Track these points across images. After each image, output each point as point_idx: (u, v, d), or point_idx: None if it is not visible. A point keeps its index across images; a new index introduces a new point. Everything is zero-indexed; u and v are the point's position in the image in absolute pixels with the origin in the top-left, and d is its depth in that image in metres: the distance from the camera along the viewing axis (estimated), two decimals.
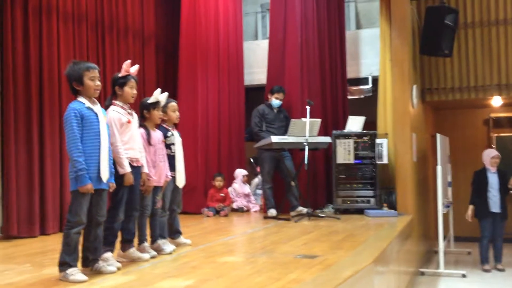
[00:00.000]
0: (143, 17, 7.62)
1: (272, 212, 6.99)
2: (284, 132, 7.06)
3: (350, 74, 8.74)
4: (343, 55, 8.38)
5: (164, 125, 4.63)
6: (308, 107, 6.62)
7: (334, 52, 8.25)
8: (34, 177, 5.58)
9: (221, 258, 4.10)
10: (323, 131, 7.51)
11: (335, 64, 8.25)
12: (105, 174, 3.48)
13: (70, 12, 6.14)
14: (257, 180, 8.31)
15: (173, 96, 7.70)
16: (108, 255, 3.76)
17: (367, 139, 7.14)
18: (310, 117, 6.66)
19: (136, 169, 3.94)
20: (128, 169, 3.79)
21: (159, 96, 4.29)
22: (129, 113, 3.91)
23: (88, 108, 3.48)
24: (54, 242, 4.99)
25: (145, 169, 4.07)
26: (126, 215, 3.91)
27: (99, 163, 3.45)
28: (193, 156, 7.54)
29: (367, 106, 8.71)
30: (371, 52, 8.80)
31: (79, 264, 3.54)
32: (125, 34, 7.15)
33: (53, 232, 5.68)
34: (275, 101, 7.24)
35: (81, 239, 3.55)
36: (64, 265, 3.41)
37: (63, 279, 3.38)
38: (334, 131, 7.25)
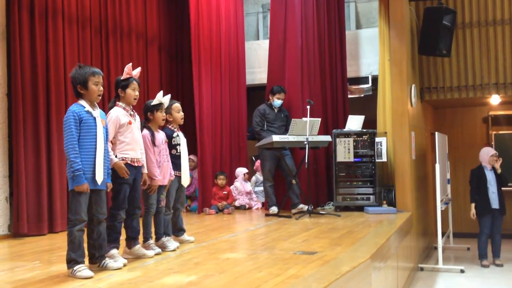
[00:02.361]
0: (146, 19, 7.75)
1: (274, 209, 7.13)
2: (284, 131, 7.21)
3: (350, 73, 8.87)
4: (343, 55, 8.50)
5: (169, 126, 4.78)
6: (308, 107, 6.75)
7: (334, 51, 8.37)
8: (42, 176, 5.73)
9: (223, 255, 4.24)
10: (323, 130, 7.65)
11: (335, 64, 8.37)
12: (100, 176, 3.62)
13: (75, 15, 6.28)
14: (254, 178, 8.45)
15: (181, 96, 7.87)
16: (114, 251, 3.91)
17: (366, 138, 7.27)
18: (311, 117, 6.79)
19: (138, 169, 4.09)
20: (114, 159, 3.90)
21: (161, 98, 4.43)
22: (131, 114, 4.06)
23: (87, 111, 3.62)
24: (62, 240, 5.14)
25: (145, 170, 4.21)
26: (129, 213, 4.07)
27: (94, 165, 3.60)
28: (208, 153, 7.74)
29: (368, 105, 8.85)
30: (371, 51, 8.93)
31: (86, 260, 3.69)
32: (128, 36, 7.29)
33: (61, 230, 5.83)
34: (277, 101, 7.37)
35: (86, 237, 3.71)
36: (71, 262, 3.56)
37: (71, 275, 3.53)
38: (334, 130, 7.38)
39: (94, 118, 3.64)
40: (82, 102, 3.65)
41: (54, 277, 3.61)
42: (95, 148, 3.60)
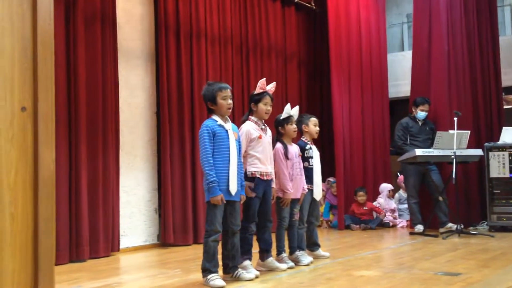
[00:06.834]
0: (285, 36, 7.88)
1: (419, 228, 6.72)
2: (430, 145, 6.80)
3: (506, 82, 8.14)
4: (497, 62, 7.83)
5: (303, 139, 4.77)
6: (455, 118, 6.31)
7: (486, 59, 7.75)
8: (188, 190, 6.02)
9: (357, 272, 4.08)
10: (475, 143, 7.09)
11: (488, 72, 7.73)
12: (233, 187, 3.69)
13: (217, 35, 6.59)
14: (397, 195, 8.06)
15: (320, 113, 7.85)
16: (246, 263, 3.97)
17: None
18: (460, 129, 6.34)
19: (268, 182, 4.11)
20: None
21: (290, 110, 4.43)
22: (262, 129, 4.10)
23: (220, 125, 3.74)
24: None
25: (274, 184, 4.22)
26: (260, 226, 4.13)
27: (229, 176, 3.67)
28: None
29: None
30: None
31: (220, 270, 3.80)
32: (268, 54, 7.46)
33: None
34: (420, 113, 7.00)
35: (221, 247, 3.82)
36: (205, 271, 3.69)
37: (205, 284, 3.66)
38: (486, 143, 6.80)
39: (227, 131, 3.75)
40: (214, 116, 3.79)
41: (190, 285, 3.77)
42: (229, 160, 3.70)
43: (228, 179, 3.68)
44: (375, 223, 7.33)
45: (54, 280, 1.32)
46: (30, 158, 1.31)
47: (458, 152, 6.23)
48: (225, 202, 3.68)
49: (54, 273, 1.32)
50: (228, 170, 3.68)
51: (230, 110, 3.83)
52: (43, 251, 1.27)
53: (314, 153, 4.77)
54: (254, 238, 4.17)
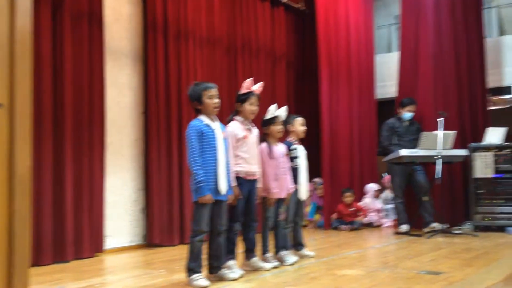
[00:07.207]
0: (274, 37, 7.89)
1: (404, 227, 6.77)
2: (416, 145, 6.85)
3: (492, 83, 8.21)
4: (483, 64, 7.91)
5: (288, 139, 4.78)
6: (440, 119, 6.36)
7: (472, 60, 7.82)
8: (174, 191, 6.00)
9: (341, 271, 4.11)
10: (461, 144, 7.15)
11: (474, 73, 7.81)
12: (223, 186, 3.70)
13: (206, 35, 6.58)
14: (384, 195, 8.10)
15: (308, 113, 7.88)
16: (231, 262, 3.98)
17: (509, 152, 6.65)
18: (446, 129, 6.39)
19: (253, 183, 4.13)
20: (233, 183, 3.95)
21: (274, 111, 4.43)
22: (248, 128, 4.11)
23: (207, 125, 3.74)
24: None
25: (259, 184, 4.23)
26: (245, 226, 4.14)
27: (216, 175, 3.68)
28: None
29: None
30: None
31: (204, 270, 3.80)
32: (256, 54, 7.47)
33: None
34: (407, 114, 7.05)
35: (205, 247, 3.82)
36: (189, 270, 3.69)
37: (189, 284, 3.67)
38: (471, 144, 6.87)
39: (213, 130, 3.75)
40: (201, 116, 3.79)
41: (174, 285, 3.77)
42: (216, 159, 3.70)
43: (216, 179, 3.69)
44: (358, 224, 7.35)
45: (29, 280, 1.32)
46: (5, 155, 1.31)
47: (443, 152, 6.28)
48: (213, 201, 3.69)
49: (29, 273, 1.32)
50: (216, 169, 3.69)
51: (217, 110, 3.82)
52: (18, 250, 1.26)
53: (300, 153, 4.79)
54: (239, 237, 4.18)
